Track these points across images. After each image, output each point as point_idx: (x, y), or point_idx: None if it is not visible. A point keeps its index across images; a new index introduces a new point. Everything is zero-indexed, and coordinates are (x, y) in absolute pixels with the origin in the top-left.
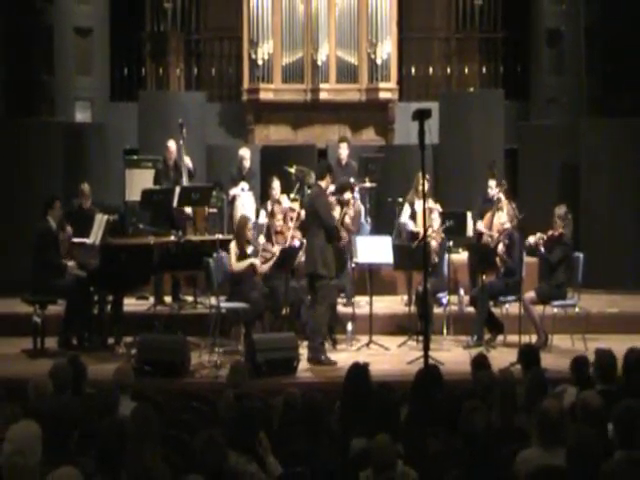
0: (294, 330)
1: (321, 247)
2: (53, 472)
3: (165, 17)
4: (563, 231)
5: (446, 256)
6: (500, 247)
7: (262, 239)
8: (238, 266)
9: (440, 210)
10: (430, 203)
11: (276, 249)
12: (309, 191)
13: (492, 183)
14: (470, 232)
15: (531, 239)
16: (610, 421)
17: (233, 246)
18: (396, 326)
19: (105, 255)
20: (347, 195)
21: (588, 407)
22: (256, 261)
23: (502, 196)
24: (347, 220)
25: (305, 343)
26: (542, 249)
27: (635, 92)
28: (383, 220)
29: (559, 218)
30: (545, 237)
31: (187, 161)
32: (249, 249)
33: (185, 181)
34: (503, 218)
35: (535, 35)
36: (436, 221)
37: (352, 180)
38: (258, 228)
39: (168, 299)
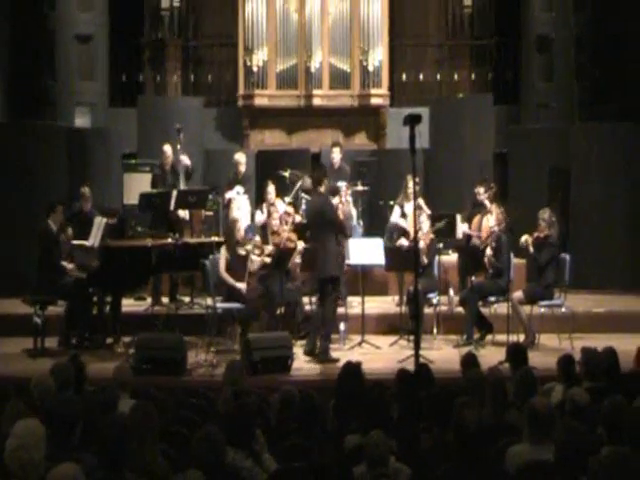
0: (289, 330)
1: (335, 251)
2: (54, 468)
3: (163, 25)
4: (549, 233)
5: (436, 257)
6: (488, 250)
7: (257, 239)
8: (225, 277)
9: (428, 212)
10: (420, 202)
11: (269, 248)
12: (303, 194)
13: (480, 190)
14: (460, 234)
15: (523, 238)
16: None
17: (223, 251)
18: (388, 326)
19: (104, 257)
20: (335, 199)
21: (575, 404)
22: (242, 286)
23: (488, 202)
24: None
25: (300, 342)
26: (532, 249)
27: (623, 97)
28: (375, 223)
29: (543, 221)
30: (531, 239)
31: (185, 159)
32: (241, 251)
33: (182, 180)
34: (492, 222)
35: (526, 42)
36: (424, 223)
37: (344, 184)
38: (253, 228)
39: (166, 299)
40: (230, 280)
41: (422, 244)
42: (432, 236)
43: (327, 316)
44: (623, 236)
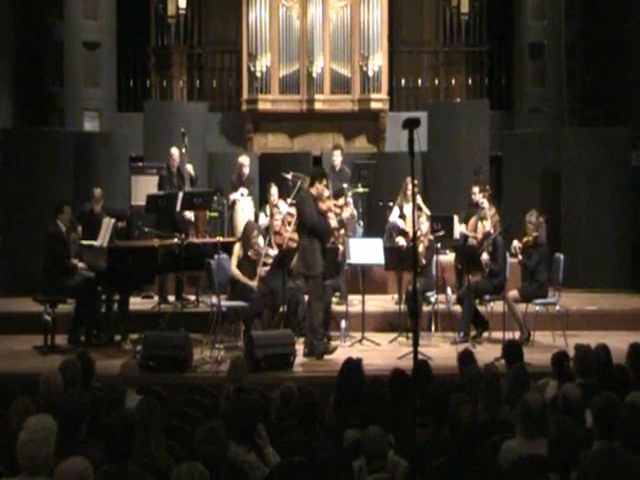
0: (291, 327)
1: (304, 247)
2: (63, 462)
3: (169, 32)
4: (537, 234)
5: (434, 257)
6: (484, 255)
7: (261, 240)
8: (236, 273)
9: (428, 213)
10: (419, 201)
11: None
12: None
13: (475, 189)
14: (457, 235)
15: (515, 242)
16: (589, 412)
17: (237, 248)
18: (387, 323)
19: (112, 257)
20: (340, 200)
21: (568, 399)
22: (253, 284)
23: (485, 203)
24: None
25: (302, 340)
26: (520, 256)
27: (612, 103)
28: (375, 223)
29: (531, 224)
30: (521, 245)
31: (189, 169)
32: (251, 254)
33: (187, 188)
34: (488, 226)
35: (519, 48)
36: (424, 224)
37: (345, 185)
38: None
39: (172, 298)
40: (242, 278)
41: (421, 247)
42: (431, 237)
43: (311, 312)
44: (612, 235)
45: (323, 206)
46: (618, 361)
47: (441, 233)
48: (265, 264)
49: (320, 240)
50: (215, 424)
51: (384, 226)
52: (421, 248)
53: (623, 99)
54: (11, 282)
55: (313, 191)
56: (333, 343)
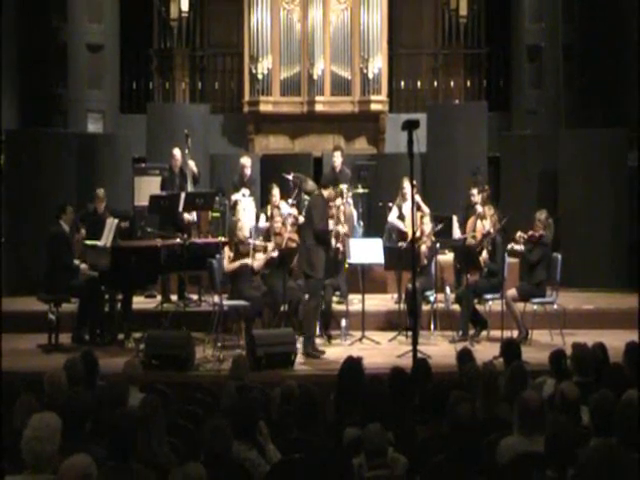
0: (291, 326)
1: (308, 248)
2: (67, 459)
3: (171, 34)
4: (543, 233)
5: (434, 257)
6: (484, 254)
7: (258, 242)
8: (230, 267)
9: (427, 211)
10: (419, 201)
11: (270, 245)
12: (306, 197)
13: (474, 191)
14: (456, 235)
15: (517, 235)
16: (586, 410)
17: (226, 249)
18: (387, 322)
19: (116, 257)
20: (337, 201)
21: (565, 397)
22: (246, 261)
23: (480, 206)
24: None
25: (302, 338)
26: (522, 247)
27: (608, 105)
28: (375, 223)
29: (540, 222)
30: (526, 236)
31: (192, 165)
32: (242, 251)
33: (190, 185)
34: (487, 226)
35: (516, 51)
36: (427, 225)
37: (346, 186)
38: (258, 231)
39: (174, 297)
40: (234, 265)
41: (424, 247)
42: (433, 238)
43: (306, 310)
44: (608, 235)
45: (333, 210)
46: (615, 359)
47: (439, 227)
48: (260, 249)
49: (324, 245)
50: (221, 422)
51: (384, 226)
52: (424, 248)
53: (620, 101)
54: (16, 281)
55: (325, 193)
56: (333, 342)
